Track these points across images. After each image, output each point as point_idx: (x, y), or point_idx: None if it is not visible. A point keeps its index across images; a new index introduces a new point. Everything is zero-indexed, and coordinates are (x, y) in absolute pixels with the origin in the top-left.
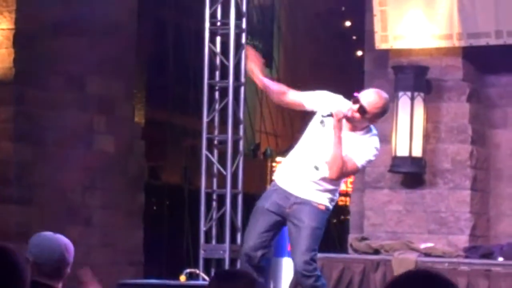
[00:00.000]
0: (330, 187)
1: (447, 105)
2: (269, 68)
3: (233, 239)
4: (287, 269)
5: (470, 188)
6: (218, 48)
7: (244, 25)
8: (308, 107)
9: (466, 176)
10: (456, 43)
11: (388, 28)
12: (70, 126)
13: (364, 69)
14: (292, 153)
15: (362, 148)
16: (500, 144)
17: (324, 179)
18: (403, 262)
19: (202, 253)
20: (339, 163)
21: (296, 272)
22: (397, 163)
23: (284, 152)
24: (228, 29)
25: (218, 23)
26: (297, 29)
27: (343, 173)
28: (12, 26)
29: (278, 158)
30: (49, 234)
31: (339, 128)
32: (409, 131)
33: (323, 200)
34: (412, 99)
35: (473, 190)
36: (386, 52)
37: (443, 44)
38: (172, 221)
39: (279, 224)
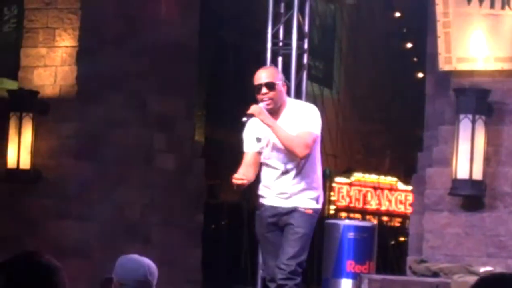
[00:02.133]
0: (309, 183)
1: (509, 129)
2: (329, 89)
3: None
4: None
5: None
6: (279, 68)
7: (306, 46)
8: (255, 150)
9: None
10: None
11: (452, 50)
12: (131, 144)
13: (425, 91)
14: (262, 172)
15: (303, 117)
16: None
17: (298, 180)
18: (462, 285)
19: (260, 272)
20: (294, 140)
21: (280, 272)
22: (457, 185)
23: (343, 172)
24: (290, 49)
25: (280, 43)
26: (358, 50)
27: (306, 146)
28: (75, 43)
29: (337, 179)
30: (134, 256)
31: (267, 118)
32: (469, 154)
33: (309, 203)
34: (474, 122)
35: None
36: (447, 75)
37: (506, 66)
38: (230, 239)
39: (281, 234)
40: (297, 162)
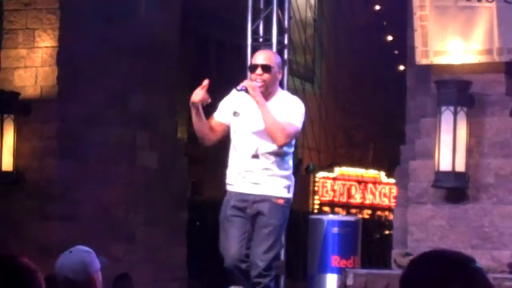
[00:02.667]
0: (280, 171)
1: (490, 120)
2: (310, 83)
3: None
4: (331, 285)
5: None
6: None
7: (286, 41)
8: (224, 121)
9: (510, 191)
10: (496, 58)
11: (429, 44)
12: (113, 143)
13: (406, 84)
14: (230, 157)
15: (289, 108)
16: None
17: (268, 164)
18: None
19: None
20: (278, 126)
21: (253, 269)
22: (440, 178)
23: (326, 166)
24: (271, 44)
25: (260, 39)
26: (338, 44)
27: (287, 135)
28: (55, 44)
29: (320, 173)
30: (70, 250)
31: (258, 96)
32: (452, 146)
33: (280, 191)
34: (455, 113)
35: None
36: (428, 67)
37: (483, 59)
38: (215, 236)
39: (247, 224)
40: (269, 147)
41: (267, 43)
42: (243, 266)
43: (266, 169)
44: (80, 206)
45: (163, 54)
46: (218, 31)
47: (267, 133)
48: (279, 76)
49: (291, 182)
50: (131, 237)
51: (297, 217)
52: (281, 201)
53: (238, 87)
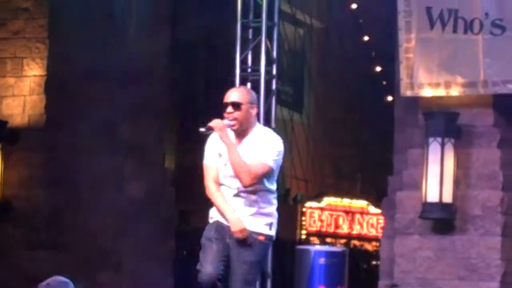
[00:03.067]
0: (262, 209)
1: (478, 151)
2: (299, 113)
3: (263, 285)
4: None
5: (501, 234)
6: None
7: (274, 71)
8: (215, 164)
9: (497, 223)
10: (481, 91)
11: (414, 76)
12: (101, 172)
13: (394, 114)
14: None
15: (263, 146)
16: None
17: (250, 203)
18: None
19: None
20: (243, 167)
21: None
22: (427, 209)
23: (314, 197)
24: (259, 75)
25: (249, 69)
26: (327, 75)
27: (253, 177)
28: (43, 72)
29: (308, 203)
30: (47, 282)
31: (225, 135)
32: (439, 177)
33: (262, 228)
34: (443, 145)
35: (503, 236)
36: (416, 98)
37: (468, 92)
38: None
39: (227, 252)
40: (250, 186)
41: (255, 73)
42: (219, 285)
43: (248, 207)
44: (67, 235)
45: (152, 83)
46: (207, 60)
47: (234, 174)
48: (253, 112)
49: (274, 220)
50: (118, 266)
51: (284, 247)
52: (261, 238)
53: (203, 129)
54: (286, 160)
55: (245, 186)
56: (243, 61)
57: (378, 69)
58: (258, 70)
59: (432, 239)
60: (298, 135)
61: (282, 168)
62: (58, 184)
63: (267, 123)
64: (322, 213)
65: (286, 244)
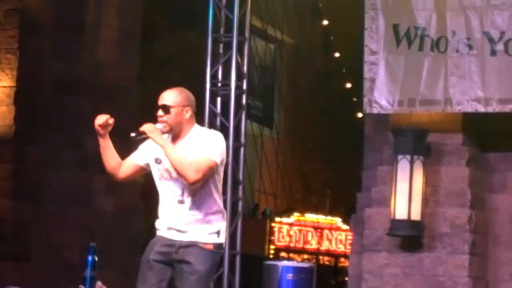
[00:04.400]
0: (208, 216)
1: (446, 169)
2: (269, 128)
3: None
4: None
5: (469, 252)
6: (218, 109)
7: (245, 86)
8: (140, 162)
9: (465, 240)
10: (447, 108)
11: (377, 93)
12: (70, 185)
13: (364, 131)
14: (159, 206)
15: (204, 142)
16: (499, 209)
17: (195, 209)
18: None
19: None
20: (184, 162)
21: None
22: (395, 226)
23: (282, 212)
24: (229, 89)
25: (219, 84)
26: (297, 90)
27: (198, 170)
28: (13, 84)
29: (277, 219)
30: None
31: (158, 137)
32: (408, 194)
33: (208, 237)
34: (412, 162)
35: (471, 254)
36: (386, 116)
37: (431, 109)
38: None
39: (168, 273)
40: (194, 191)
41: (226, 88)
42: None
43: (194, 214)
44: (34, 248)
45: (122, 97)
46: (177, 74)
47: (177, 174)
48: (186, 115)
49: (221, 227)
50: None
51: (252, 261)
52: (209, 247)
53: (133, 134)
54: (255, 175)
55: (191, 183)
56: (214, 76)
57: (349, 85)
58: (229, 85)
59: (400, 256)
60: (267, 150)
61: (251, 182)
62: (25, 196)
63: (237, 137)
64: (291, 228)
65: (254, 259)
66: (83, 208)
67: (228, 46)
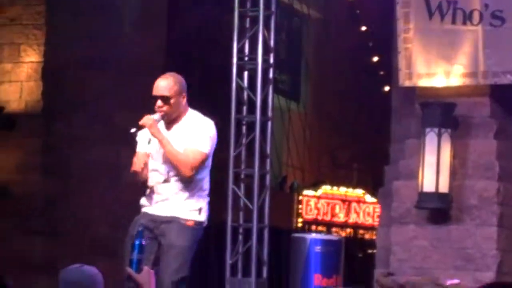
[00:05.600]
0: (192, 195)
1: (474, 142)
2: (296, 102)
3: (259, 273)
4: None
5: (497, 225)
6: (245, 83)
7: (271, 60)
8: (147, 150)
9: (493, 213)
10: (481, 81)
11: (412, 66)
12: (97, 160)
13: (391, 104)
14: (147, 176)
15: (196, 133)
16: None
17: (179, 188)
18: None
19: (227, 287)
20: (181, 160)
21: None
22: (423, 199)
23: (311, 185)
24: (256, 64)
25: (246, 58)
26: (324, 64)
27: (192, 168)
28: (40, 59)
29: (304, 192)
30: (75, 267)
31: (157, 132)
32: (435, 167)
33: (190, 214)
34: (439, 135)
35: (499, 227)
36: (413, 89)
37: (468, 82)
38: (198, 254)
39: (155, 246)
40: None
41: (252, 62)
42: None
43: (177, 193)
44: (63, 222)
45: (147, 72)
46: (203, 50)
47: (172, 165)
48: (183, 100)
49: (204, 205)
50: (114, 253)
51: (280, 235)
52: (190, 223)
53: (133, 129)
54: (282, 149)
55: (187, 178)
56: (240, 50)
57: (375, 59)
58: (255, 59)
59: (428, 229)
60: (295, 124)
61: (278, 156)
62: (54, 171)
63: (264, 112)
64: (319, 201)
65: (282, 232)
66: (111, 183)
67: (254, 21)
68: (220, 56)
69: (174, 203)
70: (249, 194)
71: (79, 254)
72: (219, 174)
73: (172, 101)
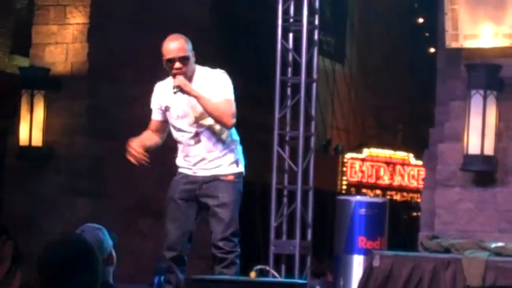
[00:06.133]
0: (224, 149)
1: None
2: (341, 64)
3: (303, 235)
4: (357, 266)
5: None
6: (290, 45)
7: (316, 22)
8: (161, 118)
9: None
10: None
11: (459, 27)
12: (143, 121)
13: (436, 66)
14: (178, 148)
15: (217, 85)
16: None
17: (212, 145)
18: (474, 261)
19: (272, 249)
20: (221, 109)
21: (216, 248)
22: (468, 161)
23: (355, 147)
24: (301, 25)
25: (291, 20)
26: (369, 25)
27: (233, 114)
28: (86, 20)
29: (349, 154)
30: (82, 229)
31: (193, 90)
32: (481, 129)
33: (228, 168)
34: (485, 97)
35: None
36: (458, 50)
37: None
38: (242, 216)
39: (195, 209)
40: (207, 129)
41: (297, 24)
42: (179, 251)
43: (210, 151)
44: (108, 183)
45: (194, 33)
46: (248, 10)
47: (214, 120)
48: (194, 58)
49: (238, 156)
50: (159, 214)
51: (324, 197)
52: (230, 178)
53: (174, 90)
54: (327, 110)
55: (229, 127)
56: (286, 11)
57: (421, 20)
58: (301, 21)
59: (473, 191)
60: (340, 86)
61: (323, 118)
62: (99, 132)
63: (309, 73)
64: (363, 163)
65: (326, 194)
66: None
67: None
68: (266, 18)
69: (211, 161)
70: (293, 156)
71: (124, 214)
72: (264, 136)
73: (189, 60)
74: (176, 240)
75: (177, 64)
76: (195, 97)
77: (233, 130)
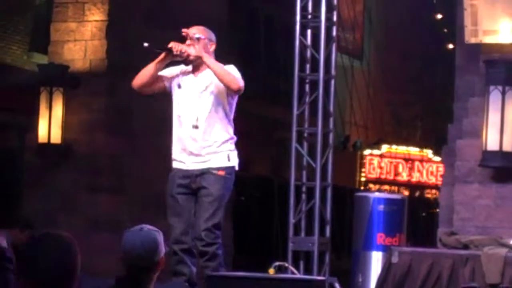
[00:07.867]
0: (220, 141)
1: None
2: (359, 60)
3: (322, 232)
4: (376, 262)
5: None
6: (308, 41)
7: (334, 18)
8: (166, 80)
9: None
10: None
11: (478, 23)
12: (160, 117)
13: (455, 62)
14: (173, 131)
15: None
16: None
17: (208, 134)
18: (492, 257)
19: (290, 246)
20: (229, 73)
21: (197, 240)
22: (487, 157)
23: (373, 144)
24: (319, 22)
25: (309, 16)
26: (387, 22)
27: (240, 79)
28: (105, 17)
29: (367, 150)
30: (137, 230)
31: (201, 52)
32: (499, 125)
33: (220, 161)
34: (504, 93)
35: None
36: (477, 46)
37: None
38: (261, 212)
39: (193, 202)
40: (209, 117)
41: (316, 20)
42: (186, 244)
43: (206, 139)
44: (127, 179)
45: (213, 29)
46: (267, 6)
47: (223, 83)
48: (210, 48)
49: (231, 150)
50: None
51: (343, 193)
52: (221, 172)
53: (145, 44)
54: (345, 107)
55: (237, 90)
56: (304, 8)
57: (439, 16)
58: (319, 17)
59: (492, 188)
60: (358, 82)
61: (341, 114)
62: (118, 129)
63: (327, 70)
64: (382, 160)
65: (345, 190)
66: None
67: None
68: (284, 13)
69: (205, 155)
70: (312, 152)
71: (142, 211)
72: (282, 133)
73: (201, 42)
74: (183, 232)
75: (188, 42)
76: (203, 57)
77: (230, 126)
